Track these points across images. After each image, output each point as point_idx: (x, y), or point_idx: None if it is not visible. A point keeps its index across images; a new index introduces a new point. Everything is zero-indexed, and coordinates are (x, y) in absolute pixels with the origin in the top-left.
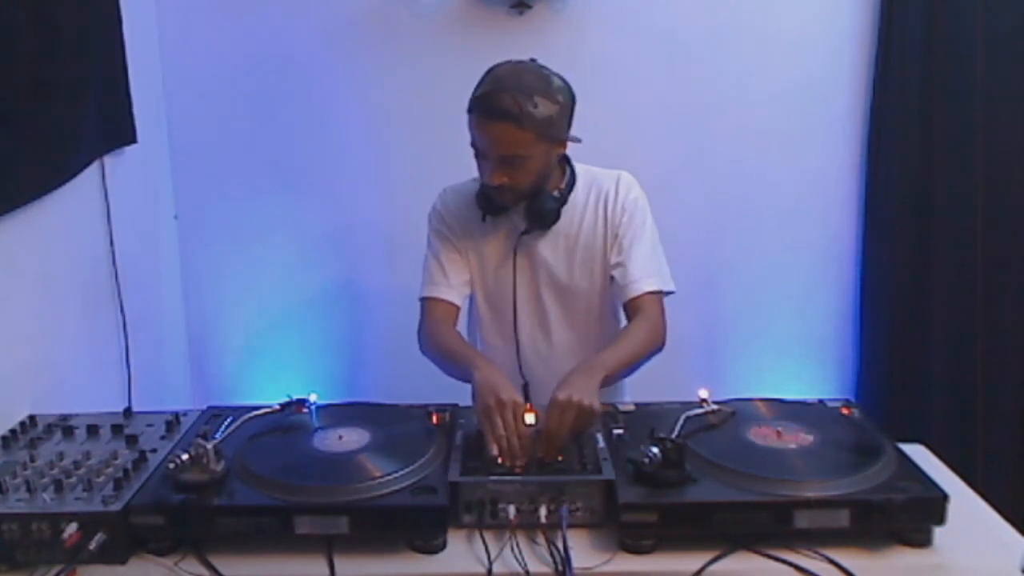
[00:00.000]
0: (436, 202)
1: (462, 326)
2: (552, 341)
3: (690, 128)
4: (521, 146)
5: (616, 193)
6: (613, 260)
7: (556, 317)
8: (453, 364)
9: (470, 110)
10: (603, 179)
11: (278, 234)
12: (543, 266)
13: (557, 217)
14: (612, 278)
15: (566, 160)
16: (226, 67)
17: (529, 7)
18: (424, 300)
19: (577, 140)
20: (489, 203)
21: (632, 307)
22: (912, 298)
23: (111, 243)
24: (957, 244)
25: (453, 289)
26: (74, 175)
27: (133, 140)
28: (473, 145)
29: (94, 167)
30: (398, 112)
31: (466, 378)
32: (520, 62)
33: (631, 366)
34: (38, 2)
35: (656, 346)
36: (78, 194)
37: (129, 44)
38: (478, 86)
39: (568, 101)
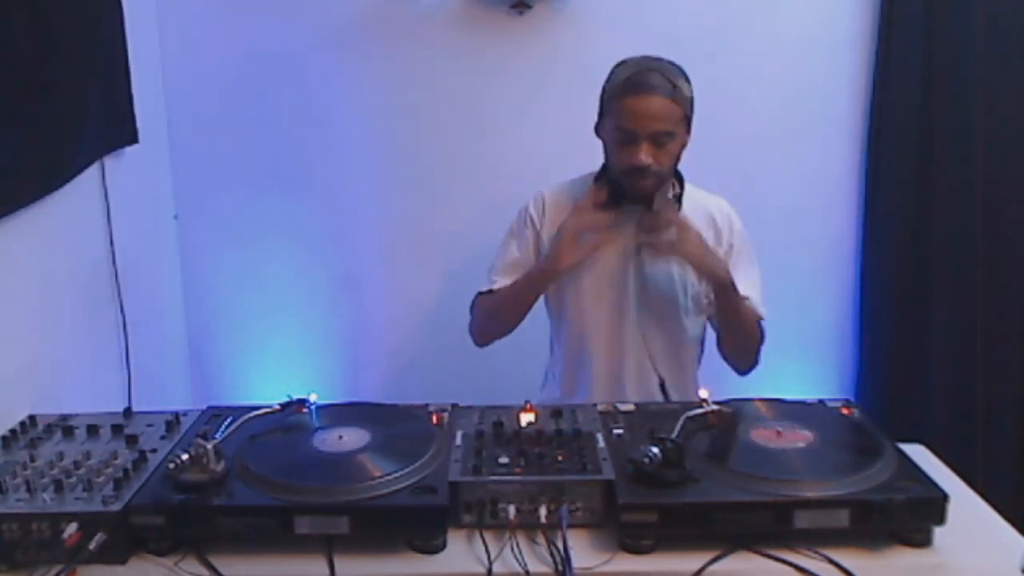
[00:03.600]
0: (540, 196)
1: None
2: (642, 351)
3: None
4: (672, 122)
5: (728, 220)
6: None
7: (653, 328)
8: (518, 295)
9: (619, 95)
10: (706, 199)
11: (278, 234)
12: (652, 274)
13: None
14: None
15: (677, 173)
16: (226, 67)
17: (529, 7)
18: (482, 294)
19: None
20: (617, 195)
21: None
22: (912, 298)
23: (111, 243)
24: (957, 244)
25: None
26: (75, 175)
27: (134, 140)
28: (619, 129)
29: (94, 167)
30: (398, 112)
31: (537, 287)
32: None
33: (736, 326)
34: (39, 2)
35: (754, 356)
36: (78, 194)
37: (129, 44)
38: (618, 75)
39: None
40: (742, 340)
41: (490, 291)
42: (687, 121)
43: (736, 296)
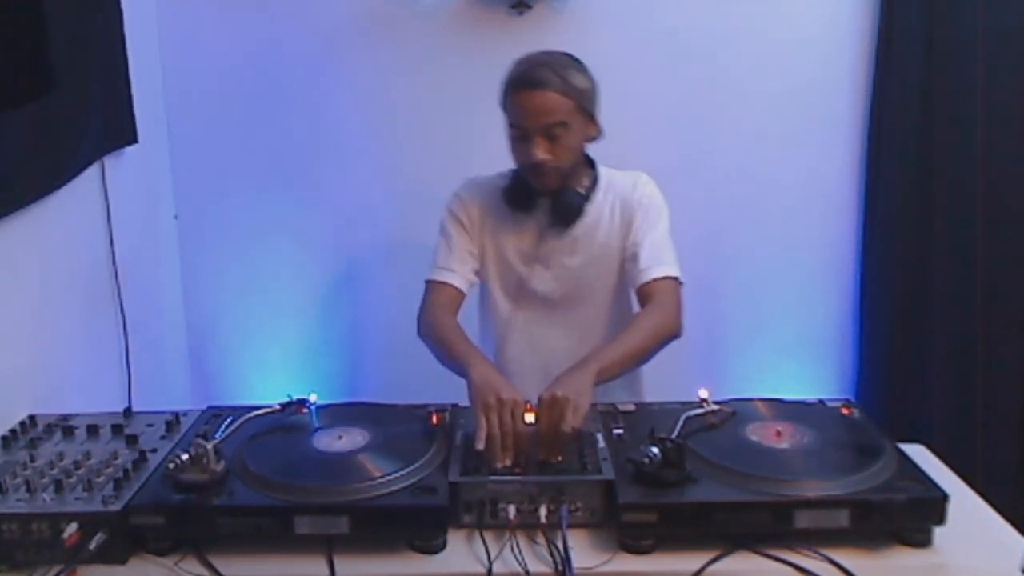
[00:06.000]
0: (459, 189)
1: (471, 312)
2: (555, 341)
3: (690, 128)
4: (564, 113)
5: (633, 190)
6: (628, 251)
7: (565, 318)
8: (450, 356)
9: (508, 92)
10: (620, 180)
11: (278, 234)
12: (560, 265)
13: (580, 212)
14: (626, 269)
15: (590, 161)
16: (226, 67)
17: (529, 7)
18: (429, 283)
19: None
20: (518, 196)
21: (646, 293)
22: (912, 298)
23: (111, 243)
24: (957, 244)
25: (459, 275)
26: (75, 175)
27: (134, 140)
28: (513, 126)
29: (94, 167)
30: (398, 112)
31: (460, 372)
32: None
33: (637, 358)
34: (40, 2)
35: (670, 333)
36: (78, 194)
37: (129, 44)
38: (509, 73)
39: (595, 85)
40: (657, 348)
41: (440, 282)
42: (584, 112)
43: (623, 360)
